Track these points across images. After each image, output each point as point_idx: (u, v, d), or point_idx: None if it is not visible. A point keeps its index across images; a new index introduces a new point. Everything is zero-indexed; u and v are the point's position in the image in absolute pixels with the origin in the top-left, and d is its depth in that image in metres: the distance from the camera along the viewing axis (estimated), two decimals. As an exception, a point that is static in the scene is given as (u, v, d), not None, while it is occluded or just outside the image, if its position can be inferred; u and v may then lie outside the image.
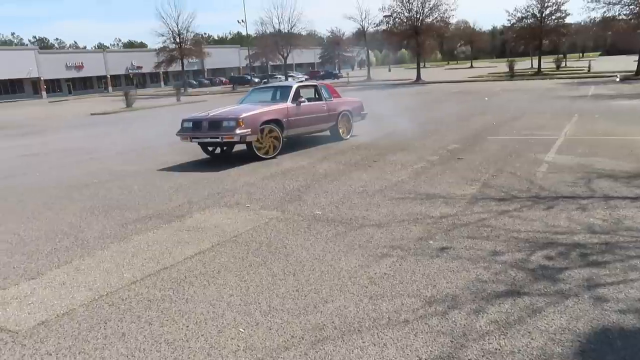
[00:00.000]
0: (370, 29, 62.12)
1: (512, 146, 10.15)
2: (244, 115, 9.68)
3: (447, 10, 48.81)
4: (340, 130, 12.40)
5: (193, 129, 10.19)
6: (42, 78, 71.57)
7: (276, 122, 10.32)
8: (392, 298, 3.75)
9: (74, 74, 76.31)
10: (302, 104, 11.03)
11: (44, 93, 71.63)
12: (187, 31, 61.63)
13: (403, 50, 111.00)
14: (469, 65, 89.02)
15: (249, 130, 9.65)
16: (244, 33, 77.18)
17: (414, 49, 53.78)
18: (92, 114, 30.26)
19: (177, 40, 60.46)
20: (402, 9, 49.43)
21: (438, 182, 7.46)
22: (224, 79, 78.92)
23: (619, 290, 3.69)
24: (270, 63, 78.18)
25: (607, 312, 3.40)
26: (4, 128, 23.86)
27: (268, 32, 67.54)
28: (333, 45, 74.20)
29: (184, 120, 10.49)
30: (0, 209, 7.44)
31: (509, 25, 52.77)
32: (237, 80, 69.23)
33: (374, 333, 3.27)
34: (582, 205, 5.87)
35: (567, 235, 4.92)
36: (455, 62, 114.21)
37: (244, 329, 3.40)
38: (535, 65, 53.16)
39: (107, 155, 12.59)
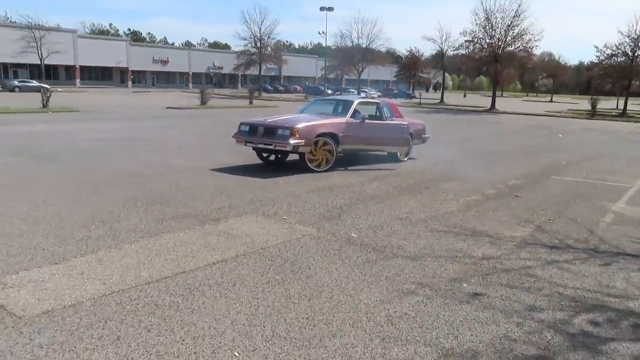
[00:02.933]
0: (450, 52, 60.85)
1: (578, 189, 9.43)
2: (299, 125, 9.57)
3: (530, 40, 46.90)
4: (398, 152, 12.04)
5: (249, 133, 10.19)
6: (129, 68, 75.41)
7: (332, 135, 10.13)
8: (406, 343, 3.43)
9: (159, 67, 79.88)
10: (365, 120, 10.73)
11: (129, 83, 75.42)
12: (269, 37, 63.15)
13: (481, 76, 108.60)
14: (549, 99, 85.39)
15: (303, 141, 9.52)
16: (323, 44, 78.04)
17: (492, 77, 52.25)
18: (167, 107, 31.37)
19: (258, 45, 61.95)
20: (483, 35, 48.13)
21: (488, 218, 6.98)
22: (298, 87, 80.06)
23: (671, 376, 3.20)
24: (345, 76, 78.56)
25: (652, 401, 2.93)
26: (86, 112, 25.14)
27: (347, 45, 68.01)
28: (410, 64, 73.34)
29: (241, 124, 10.53)
30: (56, 189, 7.70)
31: (597, 61, 49.96)
32: (310, 89, 70.00)
33: (376, 380, 2.97)
34: (645, 267, 5.27)
35: (622, 299, 4.39)
36: (535, 94, 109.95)
37: (239, 354, 3.19)
38: (621, 106, 50.14)
39: (169, 148, 12.89)
